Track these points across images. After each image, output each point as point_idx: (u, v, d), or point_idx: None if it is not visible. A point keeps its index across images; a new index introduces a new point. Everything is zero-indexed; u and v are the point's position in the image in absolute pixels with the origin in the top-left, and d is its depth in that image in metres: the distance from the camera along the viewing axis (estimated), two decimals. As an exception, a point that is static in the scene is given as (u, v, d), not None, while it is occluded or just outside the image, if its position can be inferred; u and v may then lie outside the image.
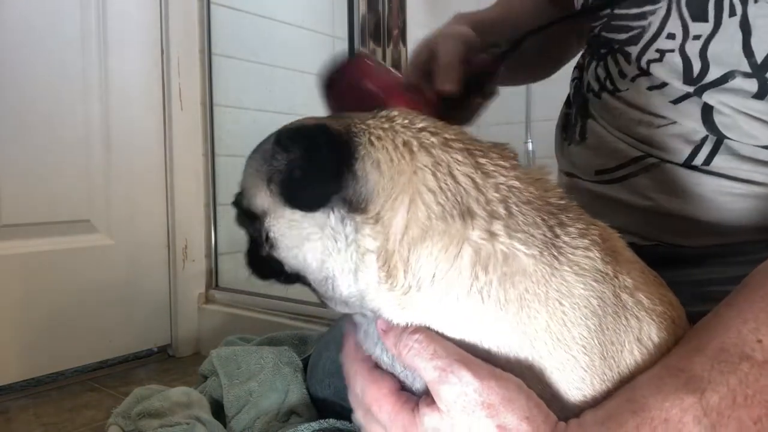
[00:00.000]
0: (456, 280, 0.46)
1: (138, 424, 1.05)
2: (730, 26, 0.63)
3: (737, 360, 0.42)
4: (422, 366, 0.46)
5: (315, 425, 0.98)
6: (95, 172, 1.64)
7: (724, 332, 0.44)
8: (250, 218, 0.55)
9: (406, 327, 0.48)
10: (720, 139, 0.66)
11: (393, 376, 0.51)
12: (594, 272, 0.47)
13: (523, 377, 0.46)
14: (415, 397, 0.49)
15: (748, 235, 0.65)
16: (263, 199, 0.53)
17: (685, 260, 0.67)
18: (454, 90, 0.74)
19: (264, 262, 0.55)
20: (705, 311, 0.49)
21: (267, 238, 0.53)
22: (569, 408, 0.46)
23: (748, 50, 0.62)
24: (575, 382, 0.46)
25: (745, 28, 0.62)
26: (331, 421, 0.99)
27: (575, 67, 0.91)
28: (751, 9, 0.61)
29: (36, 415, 1.34)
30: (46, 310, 1.54)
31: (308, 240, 0.50)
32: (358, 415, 0.54)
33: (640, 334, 0.47)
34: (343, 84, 0.75)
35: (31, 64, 1.51)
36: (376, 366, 0.52)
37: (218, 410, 1.15)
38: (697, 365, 0.43)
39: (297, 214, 0.51)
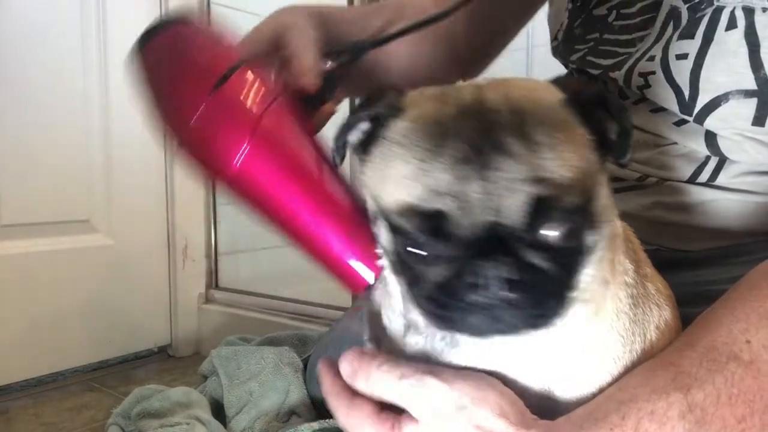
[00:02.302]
0: None
1: (138, 424, 1.05)
2: (729, 40, 0.60)
3: (725, 359, 0.43)
4: (393, 390, 0.46)
5: (315, 425, 0.98)
6: (95, 172, 1.64)
7: (716, 329, 0.45)
8: (571, 217, 0.40)
9: (371, 362, 0.48)
10: (723, 159, 0.65)
11: (373, 401, 0.51)
12: (633, 262, 0.49)
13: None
14: (394, 414, 0.49)
15: (750, 237, 0.65)
16: (598, 180, 0.43)
17: (687, 263, 0.67)
18: (314, 86, 0.62)
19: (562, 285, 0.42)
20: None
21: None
22: (572, 405, 0.46)
23: (756, 63, 0.59)
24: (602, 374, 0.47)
25: (752, 39, 0.59)
26: (332, 422, 0.99)
27: None
28: (759, 18, 0.59)
29: (36, 415, 1.34)
30: (46, 310, 1.54)
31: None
32: None
33: (659, 320, 0.49)
34: (163, 52, 0.59)
35: (31, 64, 1.51)
36: (356, 393, 0.51)
37: (218, 410, 1.15)
38: (687, 361, 0.44)
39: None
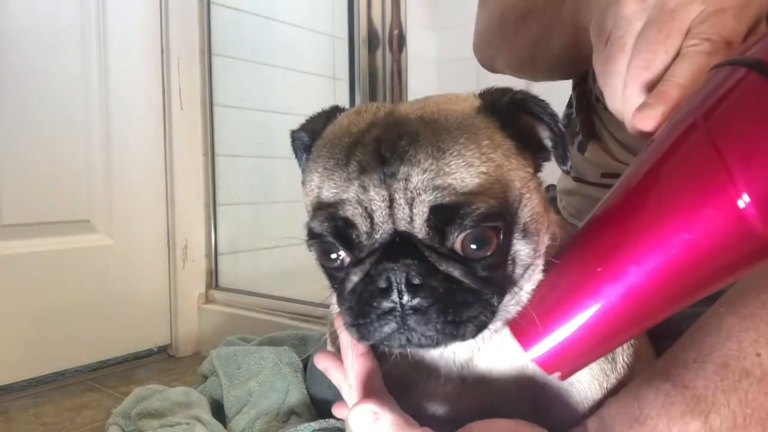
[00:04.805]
0: None
1: (138, 424, 1.05)
2: None
3: (738, 377, 0.43)
4: None
5: (315, 425, 0.98)
6: (95, 172, 1.64)
7: (725, 341, 0.45)
8: (481, 225, 0.39)
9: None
10: None
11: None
12: None
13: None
14: None
15: None
16: (524, 186, 0.45)
17: None
18: None
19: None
20: (705, 310, 0.49)
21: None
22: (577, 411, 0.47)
23: None
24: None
25: None
26: (331, 421, 0.99)
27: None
28: None
29: (36, 415, 1.34)
30: (46, 310, 1.54)
31: None
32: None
33: None
34: None
35: (32, 64, 1.51)
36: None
37: (218, 410, 1.15)
38: (701, 382, 0.44)
39: None
